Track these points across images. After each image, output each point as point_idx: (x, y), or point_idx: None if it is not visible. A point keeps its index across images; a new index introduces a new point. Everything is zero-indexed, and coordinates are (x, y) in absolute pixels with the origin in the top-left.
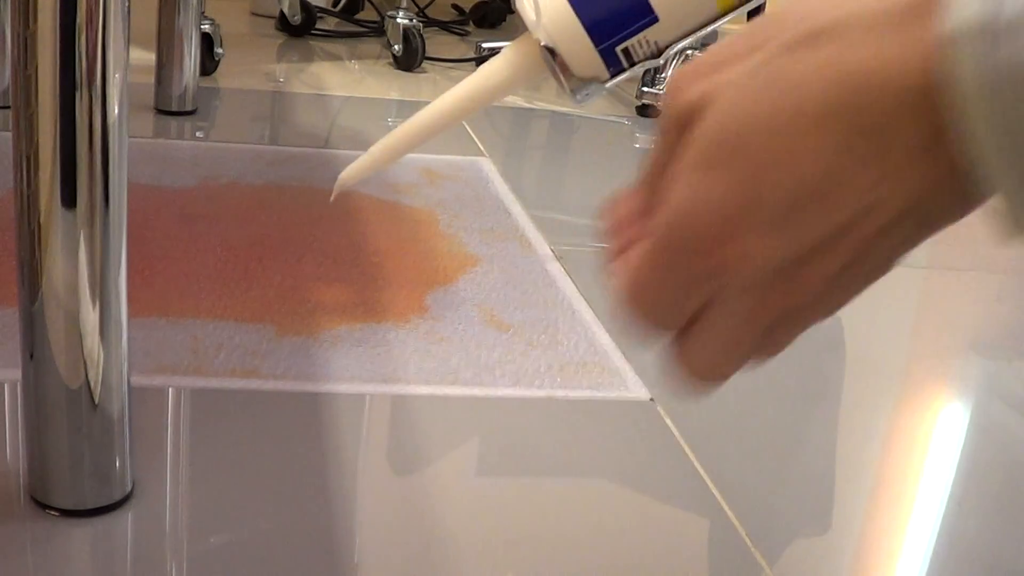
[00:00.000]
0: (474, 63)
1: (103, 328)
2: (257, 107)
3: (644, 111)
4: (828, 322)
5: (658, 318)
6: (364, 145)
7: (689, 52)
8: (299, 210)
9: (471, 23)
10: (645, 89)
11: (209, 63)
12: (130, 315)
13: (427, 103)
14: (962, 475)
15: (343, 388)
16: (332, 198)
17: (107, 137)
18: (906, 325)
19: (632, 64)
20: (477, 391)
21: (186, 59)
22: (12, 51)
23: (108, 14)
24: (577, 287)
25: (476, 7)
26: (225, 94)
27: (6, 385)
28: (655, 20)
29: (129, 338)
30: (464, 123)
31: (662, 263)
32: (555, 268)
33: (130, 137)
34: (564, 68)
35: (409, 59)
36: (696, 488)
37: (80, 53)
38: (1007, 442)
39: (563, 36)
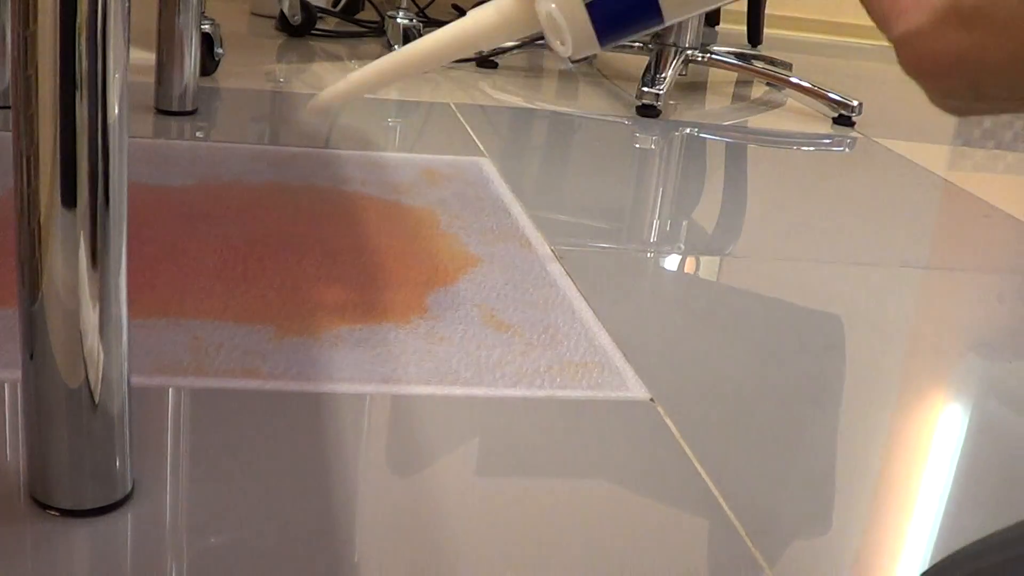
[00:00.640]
0: (474, 63)
1: (103, 328)
2: (257, 107)
3: (644, 111)
4: (828, 322)
5: None
6: (364, 145)
7: (689, 52)
8: (299, 210)
9: None
10: (645, 89)
11: (209, 63)
12: (130, 315)
13: (428, 103)
14: (962, 475)
15: (343, 388)
16: (307, 111)
17: (107, 137)
18: (906, 325)
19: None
20: (477, 391)
21: (186, 59)
22: (12, 51)
23: (108, 14)
24: (577, 287)
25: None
26: (225, 94)
27: (6, 385)
28: (660, 22)
29: (129, 338)
30: (464, 123)
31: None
32: (555, 268)
33: (130, 137)
34: (562, 42)
35: None
36: (696, 488)
37: (80, 53)
38: (1007, 442)
39: (572, 25)
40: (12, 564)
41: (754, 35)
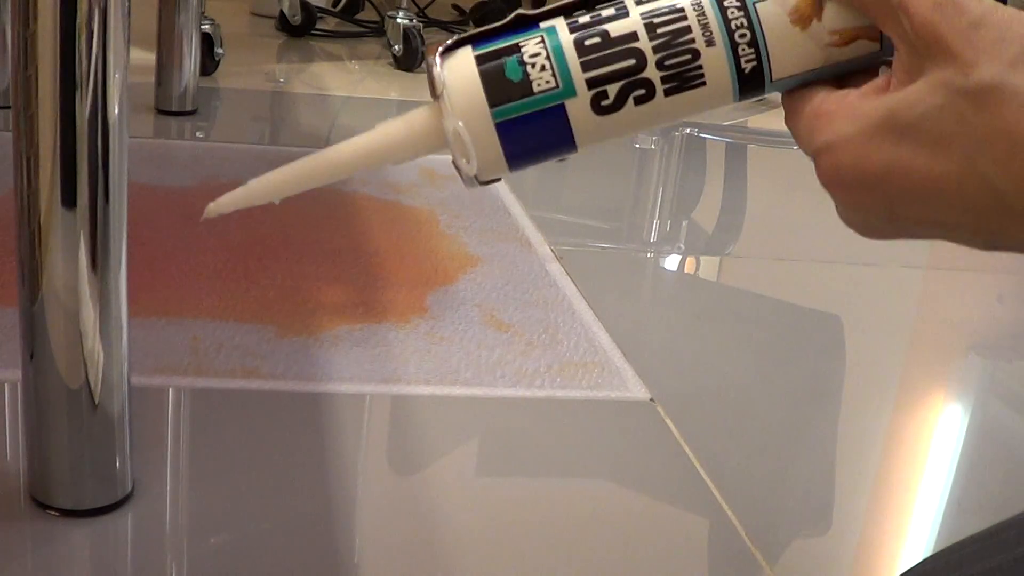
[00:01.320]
0: None
1: (103, 328)
2: (257, 107)
3: None
4: (828, 322)
5: None
6: None
7: None
8: (299, 210)
9: (471, 23)
10: None
11: (209, 63)
12: (130, 315)
13: (428, 103)
14: (962, 475)
15: (343, 388)
16: (202, 219)
17: (107, 137)
18: (906, 325)
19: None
20: (477, 391)
21: (186, 59)
22: (12, 51)
23: (108, 14)
24: (577, 287)
25: (476, 7)
26: (225, 94)
27: (6, 385)
28: (574, 149)
29: (129, 338)
30: None
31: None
32: (555, 268)
33: (130, 137)
34: (467, 162)
35: (409, 59)
36: (696, 488)
37: (80, 53)
38: (1007, 442)
39: (479, 144)
40: (12, 564)
41: None
